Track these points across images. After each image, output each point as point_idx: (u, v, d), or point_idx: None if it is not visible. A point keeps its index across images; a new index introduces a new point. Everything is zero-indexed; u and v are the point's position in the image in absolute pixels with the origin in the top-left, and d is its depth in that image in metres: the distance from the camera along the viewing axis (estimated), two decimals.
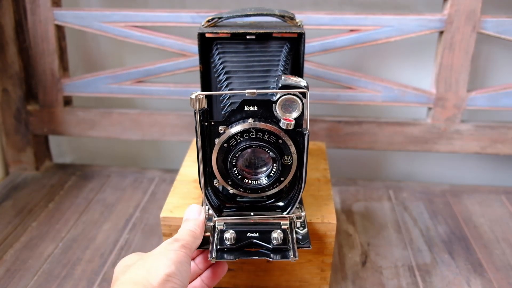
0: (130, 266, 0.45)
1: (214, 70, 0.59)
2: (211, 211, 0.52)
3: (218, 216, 0.52)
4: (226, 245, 0.50)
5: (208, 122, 0.47)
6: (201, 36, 0.61)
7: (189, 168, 0.70)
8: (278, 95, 0.46)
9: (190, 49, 0.85)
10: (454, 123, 0.87)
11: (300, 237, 0.53)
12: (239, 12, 0.62)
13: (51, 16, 0.86)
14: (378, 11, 0.89)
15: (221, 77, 0.57)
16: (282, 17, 0.61)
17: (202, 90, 0.66)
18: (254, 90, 0.46)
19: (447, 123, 0.87)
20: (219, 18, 0.62)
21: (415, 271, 0.68)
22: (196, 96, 0.46)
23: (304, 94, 0.46)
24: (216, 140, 0.48)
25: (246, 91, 0.46)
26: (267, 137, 0.47)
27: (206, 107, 0.47)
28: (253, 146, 0.47)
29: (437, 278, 0.66)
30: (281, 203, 0.53)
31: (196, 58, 0.86)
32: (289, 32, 0.61)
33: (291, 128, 0.47)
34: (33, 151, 0.95)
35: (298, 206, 0.54)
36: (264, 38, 0.61)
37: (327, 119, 0.89)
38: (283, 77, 0.48)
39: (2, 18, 0.86)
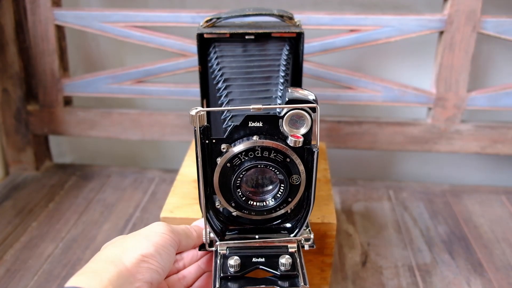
0: (112, 243, 0.44)
1: (213, 76, 0.58)
2: (212, 235, 0.48)
3: (220, 240, 0.48)
4: (230, 272, 0.45)
5: (209, 140, 0.44)
6: (200, 36, 0.60)
7: (189, 168, 0.70)
8: (285, 110, 0.43)
9: (190, 49, 0.85)
10: (454, 123, 0.87)
11: (312, 236, 0.50)
12: (237, 12, 0.61)
13: (51, 16, 0.86)
14: (378, 11, 0.89)
15: (220, 85, 0.55)
16: (281, 17, 0.61)
17: (201, 91, 0.65)
18: (260, 106, 0.42)
19: (447, 123, 0.87)
20: (218, 18, 0.62)
21: (415, 271, 0.68)
22: (197, 112, 0.42)
23: (313, 109, 0.43)
24: (218, 159, 0.44)
25: (251, 106, 0.42)
26: (274, 156, 0.43)
27: (206, 123, 0.43)
28: (259, 166, 0.43)
29: (437, 278, 0.66)
30: (288, 225, 0.49)
31: (196, 58, 0.85)
32: (288, 32, 0.61)
33: (300, 145, 0.43)
34: (33, 151, 0.95)
35: (305, 227, 0.50)
36: (263, 38, 0.61)
37: (327, 119, 0.89)
38: (289, 90, 0.44)
39: (2, 18, 0.86)
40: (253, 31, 0.60)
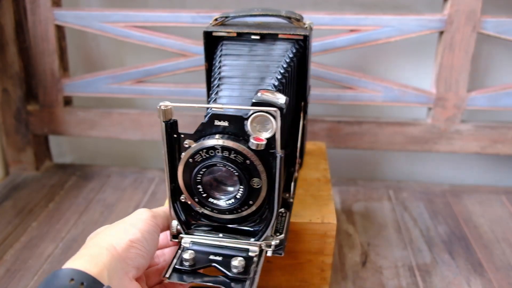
0: (99, 233, 0.46)
1: (212, 73, 0.59)
2: (179, 226, 0.49)
3: (185, 233, 0.49)
4: (184, 266, 0.47)
5: (178, 135, 0.45)
6: (206, 34, 0.61)
7: None
8: (251, 112, 0.42)
9: (190, 49, 0.85)
10: (454, 123, 0.87)
11: (277, 242, 0.49)
12: (245, 12, 0.61)
13: (51, 16, 0.86)
14: (378, 11, 0.89)
15: (215, 82, 0.56)
16: (288, 18, 0.61)
17: (207, 88, 0.65)
18: (221, 105, 0.43)
19: (447, 123, 0.87)
20: (226, 17, 0.62)
21: (415, 271, 0.68)
22: (164, 106, 0.43)
23: (281, 112, 0.42)
24: (183, 155, 0.45)
25: (213, 105, 0.43)
26: (234, 157, 0.43)
27: (174, 118, 0.44)
28: (217, 165, 0.44)
29: (437, 278, 0.66)
30: (255, 228, 0.49)
31: (196, 58, 0.86)
32: (294, 34, 0.60)
33: (262, 148, 0.43)
34: (33, 151, 0.95)
35: (275, 234, 0.50)
36: (269, 39, 0.60)
37: (327, 119, 0.89)
38: (259, 92, 0.44)
39: (2, 18, 0.86)
40: (260, 31, 0.60)
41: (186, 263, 0.47)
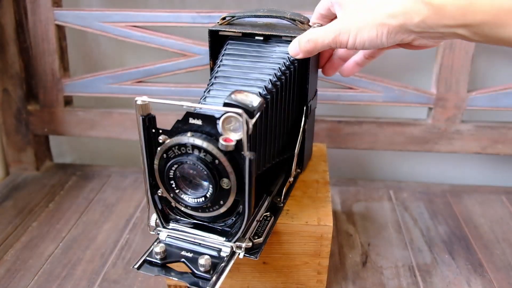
0: None
1: (212, 71, 0.59)
2: (158, 220, 0.51)
3: (163, 227, 0.51)
4: (155, 258, 0.48)
5: (156, 130, 0.46)
6: (212, 32, 0.61)
7: None
8: (223, 112, 0.42)
9: (190, 49, 0.85)
10: (454, 123, 0.87)
11: (251, 245, 0.50)
12: (251, 13, 0.61)
13: (52, 16, 0.86)
14: None
15: (211, 80, 0.56)
16: (293, 20, 0.60)
17: None
18: (191, 104, 0.44)
19: (447, 123, 0.87)
20: (232, 16, 0.62)
21: (415, 271, 0.68)
22: (141, 101, 0.44)
23: (250, 115, 0.42)
24: (158, 149, 0.46)
25: (185, 103, 0.44)
26: (204, 155, 0.44)
27: (151, 113, 0.45)
28: (186, 162, 0.44)
29: (438, 278, 0.66)
30: (230, 228, 0.49)
31: (196, 58, 0.86)
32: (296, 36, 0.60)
33: (231, 149, 0.43)
34: (33, 151, 0.95)
35: (254, 237, 0.51)
36: (273, 40, 0.60)
37: (328, 119, 0.89)
38: (233, 94, 0.44)
39: (3, 18, 0.86)
40: (263, 32, 0.59)
41: (157, 256, 0.48)
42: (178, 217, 0.51)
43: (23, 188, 0.89)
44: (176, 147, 0.45)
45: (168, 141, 0.45)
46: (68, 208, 0.82)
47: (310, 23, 0.61)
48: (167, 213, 0.51)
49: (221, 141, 0.43)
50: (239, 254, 0.48)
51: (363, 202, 0.86)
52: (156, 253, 0.48)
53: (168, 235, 0.50)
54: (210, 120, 0.43)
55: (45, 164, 0.98)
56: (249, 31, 0.60)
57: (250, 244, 0.50)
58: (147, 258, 0.48)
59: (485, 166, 1.02)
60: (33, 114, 0.93)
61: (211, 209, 0.47)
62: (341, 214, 0.82)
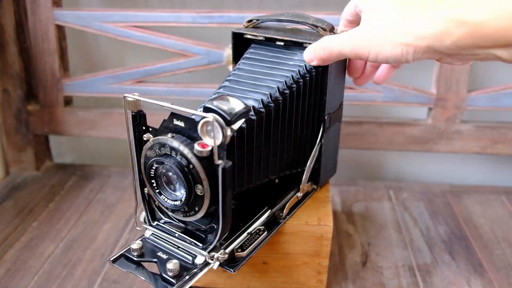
0: None
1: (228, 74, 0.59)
2: (145, 217, 0.51)
3: (148, 224, 0.51)
4: (132, 255, 0.48)
5: (146, 127, 0.46)
6: (234, 35, 0.61)
7: None
8: (201, 117, 0.41)
9: (190, 49, 0.86)
10: (454, 123, 0.87)
11: (226, 257, 0.48)
12: (275, 17, 0.61)
13: (52, 16, 0.86)
14: None
15: (223, 83, 0.55)
16: (315, 26, 0.58)
17: None
18: (174, 106, 0.43)
19: (447, 123, 0.87)
20: (257, 20, 0.61)
21: (415, 271, 0.68)
22: (131, 98, 0.45)
23: (228, 122, 0.41)
24: (144, 147, 0.46)
25: (166, 104, 0.43)
26: (180, 158, 0.43)
27: (142, 110, 0.45)
28: (163, 163, 0.44)
29: (438, 278, 0.66)
30: (209, 236, 0.48)
31: (196, 58, 0.86)
32: None
33: (206, 155, 0.41)
34: (33, 151, 0.95)
35: (237, 250, 0.50)
36: (293, 46, 0.59)
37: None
38: (214, 100, 0.43)
39: (3, 18, 0.86)
40: (284, 37, 0.58)
41: (134, 253, 0.48)
42: (164, 216, 0.51)
43: (23, 188, 0.89)
44: (157, 146, 0.44)
45: (151, 139, 0.45)
46: (68, 208, 0.82)
47: (337, 31, 0.59)
48: (154, 210, 0.52)
49: (196, 145, 0.42)
50: (212, 265, 0.47)
51: (363, 202, 0.86)
52: (133, 250, 0.48)
53: (153, 233, 0.50)
54: (192, 122, 0.43)
55: (45, 164, 0.98)
56: (270, 36, 0.59)
57: (226, 256, 0.47)
58: (125, 253, 0.48)
59: (485, 166, 1.02)
60: (33, 114, 0.93)
61: (188, 214, 0.46)
62: (341, 214, 0.82)
